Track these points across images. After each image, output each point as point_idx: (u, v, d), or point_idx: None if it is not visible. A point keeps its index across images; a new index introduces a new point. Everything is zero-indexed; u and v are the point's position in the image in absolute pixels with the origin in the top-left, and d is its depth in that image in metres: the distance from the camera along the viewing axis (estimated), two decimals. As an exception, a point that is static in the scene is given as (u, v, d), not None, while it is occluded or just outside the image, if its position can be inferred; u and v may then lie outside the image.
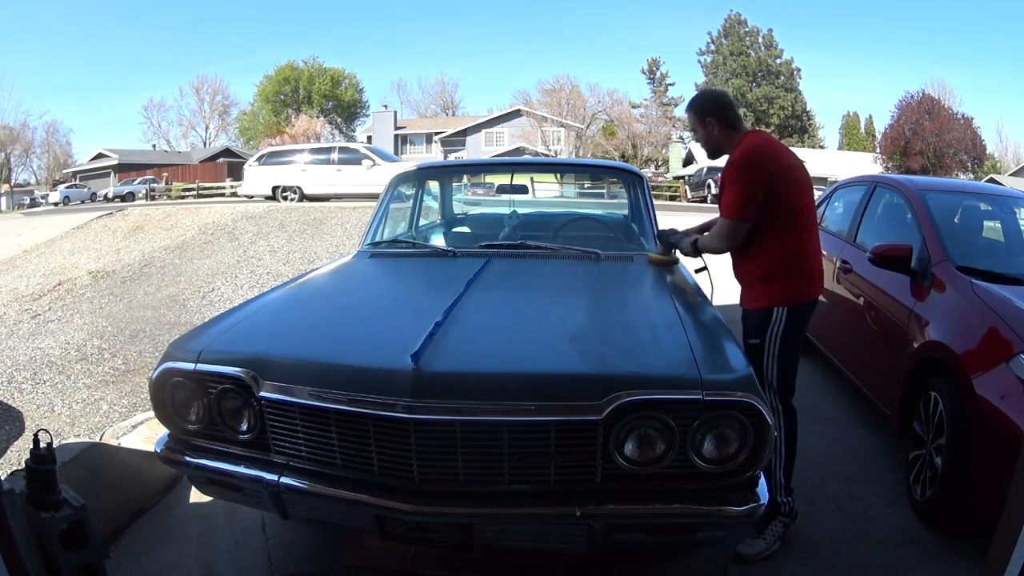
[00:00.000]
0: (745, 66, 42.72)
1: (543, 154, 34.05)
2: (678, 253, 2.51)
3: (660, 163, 38.93)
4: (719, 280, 2.52)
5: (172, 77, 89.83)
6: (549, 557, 2.00)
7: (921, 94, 29.84)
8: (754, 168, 2.02)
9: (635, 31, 68.34)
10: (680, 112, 41.98)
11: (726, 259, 2.31)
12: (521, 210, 3.51)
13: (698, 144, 2.37)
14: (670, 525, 1.57)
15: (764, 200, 2.01)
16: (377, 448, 1.54)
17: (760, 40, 43.87)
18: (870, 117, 44.35)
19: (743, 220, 2.05)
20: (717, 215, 2.23)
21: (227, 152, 40.22)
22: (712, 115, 2.15)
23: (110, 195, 28.77)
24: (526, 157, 27.00)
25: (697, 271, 2.53)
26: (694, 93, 2.38)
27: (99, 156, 40.27)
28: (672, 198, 23.33)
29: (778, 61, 43.18)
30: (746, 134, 2.14)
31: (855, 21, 65.52)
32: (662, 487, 1.53)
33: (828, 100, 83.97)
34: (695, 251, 2.33)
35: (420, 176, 3.58)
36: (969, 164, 28.62)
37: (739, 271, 2.21)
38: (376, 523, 1.61)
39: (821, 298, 3.59)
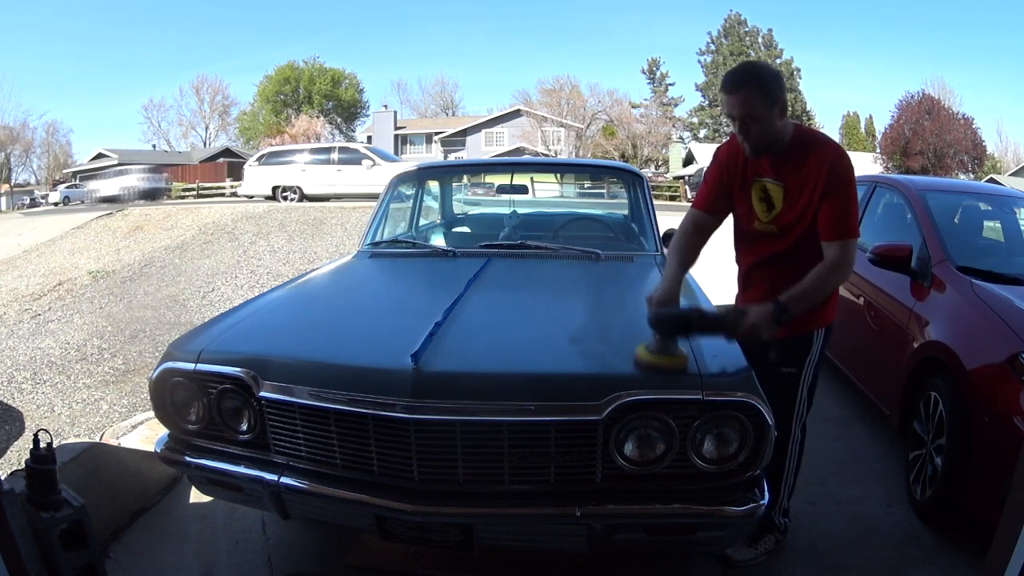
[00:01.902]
0: (745, 66, 42.63)
1: (543, 154, 34.05)
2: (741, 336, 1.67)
3: (660, 163, 38.95)
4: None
5: (172, 77, 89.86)
6: (549, 557, 2.00)
7: (921, 94, 29.88)
8: (855, 173, 1.77)
9: (635, 31, 68.34)
10: (681, 112, 42.03)
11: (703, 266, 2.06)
12: (521, 210, 3.51)
13: (745, 135, 1.74)
14: (670, 525, 1.57)
15: None
16: (377, 448, 1.54)
17: (760, 40, 43.88)
18: (870, 117, 44.41)
19: (858, 233, 1.77)
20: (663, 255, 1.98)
21: (227, 152, 40.14)
22: (783, 96, 1.73)
23: (110, 195, 28.72)
24: (526, 157, 27.00)
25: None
26: (743, 63, 1.79)
27: (99, 156, 40.18)
28: (672, 198, 23.34)
29: (778, 61, 43.15)
30: (808, 129, 1.85)
31: (855, 21, 65.60)
32: (662, 487, 1.53)
33: (828, 100, 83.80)
34: (780, 318, 1.64)
35: (420, 176, 3.58)
36: (969, 164, 28.61)
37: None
38: (376, 523, 1.61)
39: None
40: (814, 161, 1.74)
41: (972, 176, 27.20)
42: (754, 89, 1.69)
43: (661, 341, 1.57)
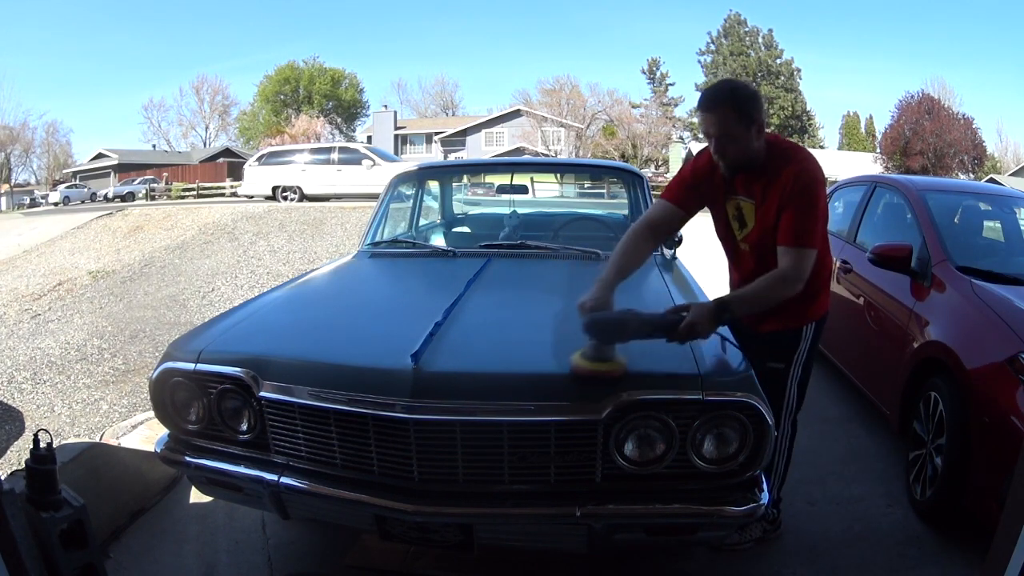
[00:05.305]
0: (745, 66, 42.69)
1: (543, 154, 34.05)
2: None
3: (660, 163, 38.94)
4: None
5: (172, 77, 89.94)
6: (549, 557, 2.00)
7: (921, 94, 29.86)
8: (824, 187, 1.74)
9: (635, 31, 68.44)
10: (681, 112, 42.02)
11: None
12: (521, 210, 3.51)
13: (720, 154, 1.73)
14: (670, 525, 1.57)
15: None
16: (377, 448, 1.54)
17: (760, 40, 43.85)
18: (870, 117, 44.36)
19: (816, 247, 1.71)
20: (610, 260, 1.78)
21: (227, 152, 40.17)
22: (761, 116, 1.69)
23: (110, 195, 28.72)
24: (526, 157, 27.00)
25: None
26: (721, 82, 1.76)
27: (99, 156, 40.22)
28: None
29: (778, 61, 43.14)
30: (780, 143, 1.80)
31: (855, 20, 65.56)
32: (662, 487, 1.53)
33: (828, 100, 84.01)
34: (720, 317, 1.60)
35: (420, 176, 3.58)
36: (969, 164, 28.60)
37: None
38: (376, 523, 1.62)
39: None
40: (784, 176, 1.71)
41: (972, 176, 27.19)
42: (730, 108, 1.66)
43: (597, 347, 1.49)
